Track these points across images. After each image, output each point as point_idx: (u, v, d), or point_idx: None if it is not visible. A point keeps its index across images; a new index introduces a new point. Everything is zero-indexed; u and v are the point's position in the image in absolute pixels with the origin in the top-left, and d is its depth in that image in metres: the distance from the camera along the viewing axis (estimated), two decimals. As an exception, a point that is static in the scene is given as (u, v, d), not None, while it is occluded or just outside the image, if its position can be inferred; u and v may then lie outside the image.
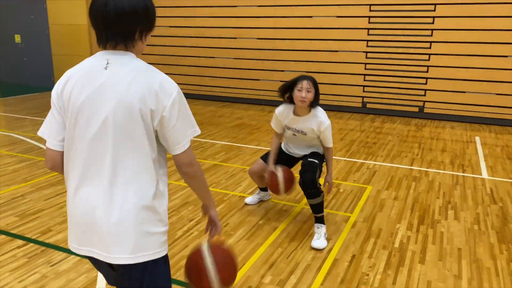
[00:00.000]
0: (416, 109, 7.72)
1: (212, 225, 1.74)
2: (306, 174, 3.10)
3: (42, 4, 10.39)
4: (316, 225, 3.12)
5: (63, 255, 2.88)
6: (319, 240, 3.02)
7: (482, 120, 7.28)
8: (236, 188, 4.10)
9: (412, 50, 7.50)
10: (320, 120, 3.10)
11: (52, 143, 1.49)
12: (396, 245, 3.08)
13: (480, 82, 7.20)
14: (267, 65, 8.63)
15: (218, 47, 8.97)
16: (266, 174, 3.30)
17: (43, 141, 5.07)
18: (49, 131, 1.49)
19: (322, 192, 3.13)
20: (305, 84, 3.02)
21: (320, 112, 3.14)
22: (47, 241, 3.07)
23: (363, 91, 8.02)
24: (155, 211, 1.44)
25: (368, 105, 8.04)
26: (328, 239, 3.11)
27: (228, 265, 1.65)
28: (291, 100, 3.15)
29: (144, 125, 1.38)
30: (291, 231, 3.27)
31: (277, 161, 3.38)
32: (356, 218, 3.49)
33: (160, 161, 1.48)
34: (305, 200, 3.79)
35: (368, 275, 2.70)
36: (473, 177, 4.54)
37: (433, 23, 7.28)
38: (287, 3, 8.18)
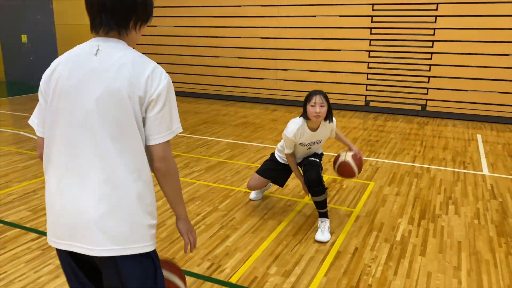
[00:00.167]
0: (419, 108, 7.79)
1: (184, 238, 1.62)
2: (311, 172, 3.19)
3: (48, 5, 10.52)
4: (320, 219, 3.21)
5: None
6: (322, 233, 3.12)
7: (483, 118, 7.35)
8: (241, 184, 4.20)
9: (414, 49, 7.57)
10: (332, 123, 3.26)
11: (41, 131, 1.48)
12: (398, 238, 3.17)
13: (482, 81, 7.27)
14: (271, 64, 8.73)
15: (222, 46, 9.07)
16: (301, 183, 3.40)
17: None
18: (38, 120, 1.48)
19: (327, 188, 3.23)
20: (318, 99, 3.08)
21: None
22: (59, 234, 3.18)
23: (366, 89, 8.11)
24: (142, 202, 1.39)
25: (371, 104, 8.12)
26: (331, 233, 3.21)
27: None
28: (305, 116, 3.18)
29: (132, 113, 1.33)
30: (295, 225, 3.36)
31: (271, 172, 3.54)
32: (358, 213, 3.59)
33: (148, 151, 1.43)
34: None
35: (370, 266, 2.79)
36: (474, 173, 4.63)
37: (435, 22, 7.36)
38: (290, 3, 8.27)
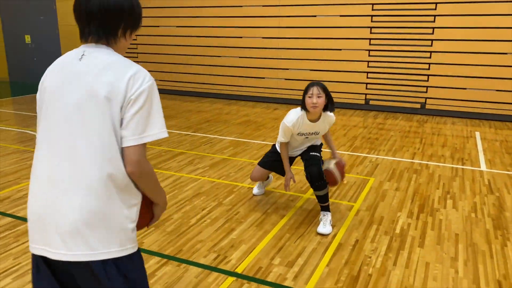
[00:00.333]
0: (418, 106, 7.90)
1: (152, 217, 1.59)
2: (312, 167, 3.29)
3: (52, 5, 10.63)
4: (322, 212, 3.32)
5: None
6: (324, 226, 3.22)
7: (482, 116, 7.46)
8: (245, 180, 4.30)
9: (413, 48, 7.68)
10: (330, 116, 3.35)
11: None
12: (397, 231, 3.28)
13: (480, 79, 7.37)
14: (272, 63, 8.83)
15: (224, 46, 9.18)
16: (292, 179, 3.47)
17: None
18: None
19: (328, 182, 3.33)
20: (315, 90, 3.16)
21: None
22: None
23: (366, 88, 8.21)
24: (118, 206, 1.36)
25: (371, 102, 8.22)
26: (332, 226, 3.31)
27: None
28: (303, 107, 3.26)
29: (110, 116, 1.32)
30: (298, 218, 3.47)
31: (272, 164, 3.61)
32: (359, 207, 3.69)
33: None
34: (310, 190, 3.99)
35: (370, 257, 2.90)
36: (472, 169, 4.73)
37: (434, 21, 7.46)
38: (291, 3, 8.38)
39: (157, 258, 2.86)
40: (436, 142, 5.87)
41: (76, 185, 1.32)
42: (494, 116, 7.39)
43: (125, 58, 1.42)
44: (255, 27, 8.82)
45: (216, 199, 3.84)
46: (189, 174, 4.44)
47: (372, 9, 7.82)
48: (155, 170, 4.54)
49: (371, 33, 7.93)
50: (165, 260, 2.84)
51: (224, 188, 4.10)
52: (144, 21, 10.81)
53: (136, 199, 1.43)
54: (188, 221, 3.40)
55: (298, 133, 3.35)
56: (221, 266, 2.77)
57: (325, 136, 3.55)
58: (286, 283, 2.60)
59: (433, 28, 7.49)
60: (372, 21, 7.88)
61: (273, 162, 3.64)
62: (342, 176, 3.40)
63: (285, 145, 3.43)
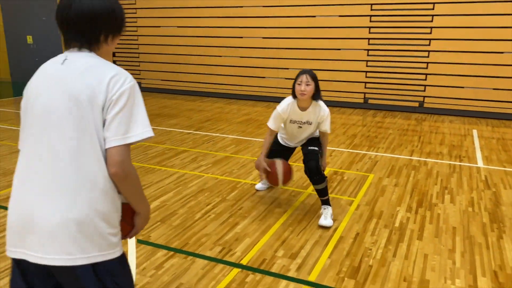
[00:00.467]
0: (416, 104, 8.00)
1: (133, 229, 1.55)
2: (310, 162, 3.39)
3: (53, 6, 10.71)
4: (323, 206, 3.42)
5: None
6: (326, 219, 3.32)
7: (479, 114, 7.57)
8: (247, 177, 4.40)
9: (412, 48, 7.79)
10: (322, 108, 3.41)
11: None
12: (396, 224, 3.38)
13: (477, 78, 7.48)
14: (272, 63, 8.93)
15: (225, 46, 9.28)
16: (264, 168, 3.45)
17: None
18: None
19: (326, 177, 3.43)
20: (304, 78, 3.27)
21: (320, 102, 3.43)
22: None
23: (365, 87, 8.32)
24: (97, 210, 1.34)
25: (370, 101, 8.33)
26: (334, 220, 3.41)
27: None
28: (293, 94, 3.38)
29: (92, 119, 1.32)
30: (300, 213, 3.57)
31: (274, 153, 3.64)
32: (359, 202, 3.79)
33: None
34: (312, 186, 4.08)
35: (371, 249, 3.00)
36: (469, 166, 4.84)
37: (432, 21, 7.57)
38: (291, 4, 8.48)
39: (164, 251, 2.95)
40: (434, 140, 5.97)
41: (56, 189, 1.31)
42: (491, 114, 7.50)
43: (106, 61, 1.42)
44: (255, 27, 8.92)
45: (220, 195, 3.93)
46: (193, 171, 4.54)
47: (371, 9, 7.92)
48: (160, 167, 4.65)
49: (369, 33, 8.03)
50: (172, 252, 2.93)
51: (228, 184, 4.20)
52: (146, 22, 10.85)
53: (117, 205, 1.41)
54: (193, 216, 3.50)
55: (290, 120, 3.45)
56: (226, 258, 2.87)
57: (320, 138, 3.60)
58: (289, 274, 2.70)
59: (431, 28, 7.60)
60: (371, 21, 7.98)
61: (276, 151, 3.70)
62: (286, 180, 3.41)
63: (269, 135, 3.50)
